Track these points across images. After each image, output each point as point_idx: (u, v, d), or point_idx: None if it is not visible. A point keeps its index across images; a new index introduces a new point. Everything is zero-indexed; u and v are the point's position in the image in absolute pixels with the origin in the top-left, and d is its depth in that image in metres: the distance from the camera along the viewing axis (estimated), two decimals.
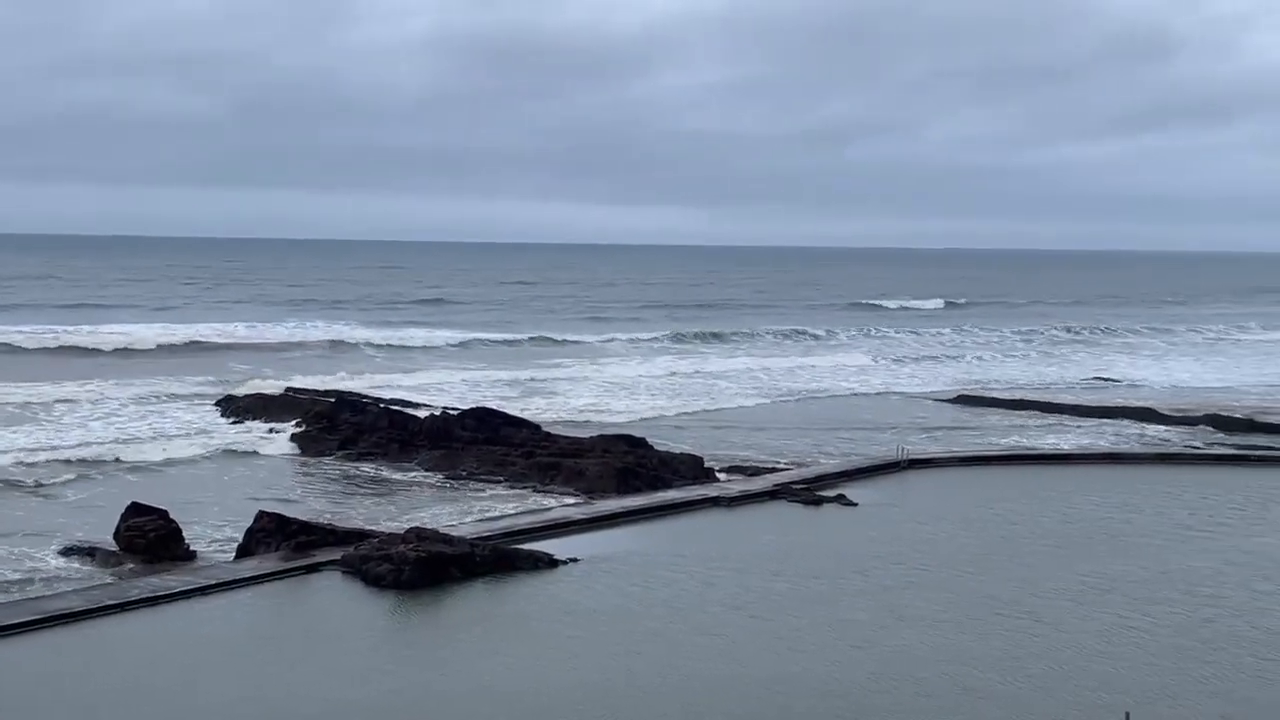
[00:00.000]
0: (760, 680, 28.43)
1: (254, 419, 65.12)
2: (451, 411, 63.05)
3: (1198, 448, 63.31)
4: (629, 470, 50.53)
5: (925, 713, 26.80)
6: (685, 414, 72.88)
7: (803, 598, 34.89)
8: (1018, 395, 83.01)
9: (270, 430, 61.99)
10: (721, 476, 52.39)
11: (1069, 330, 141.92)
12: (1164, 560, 39.49)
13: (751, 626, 32.31)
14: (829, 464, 55.56)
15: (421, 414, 63.00)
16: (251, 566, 37.10)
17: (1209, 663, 29.88)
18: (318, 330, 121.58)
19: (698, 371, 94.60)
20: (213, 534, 41.97)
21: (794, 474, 52.26)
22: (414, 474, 53.30)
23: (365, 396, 70.69)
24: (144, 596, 33.76)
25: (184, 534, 39.91)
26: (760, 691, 27.78)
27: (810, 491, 48.69)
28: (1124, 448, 62.74)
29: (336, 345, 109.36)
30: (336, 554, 37.58)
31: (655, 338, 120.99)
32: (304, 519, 40.87)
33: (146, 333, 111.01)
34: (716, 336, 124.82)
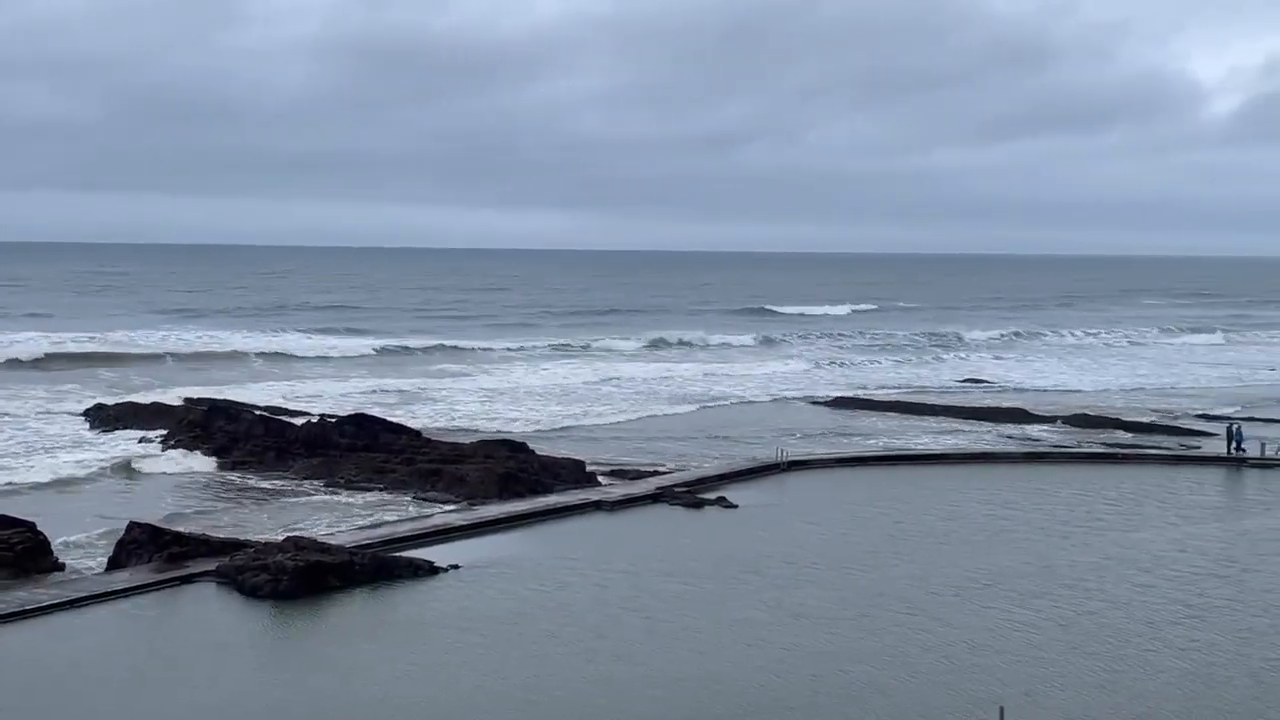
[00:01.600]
0: (662, 681, 28.51)
1: (125, 428, 63.66)
2: (329, 418, 62.32)
3: (1067, 447, 64.94)
4: (510, 475, 50.34)
5: (820, 708, 27.08)
6: (574, 420, 72.70)
7: (695, 598, 35.04)
8: (894, 398, 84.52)
9: (141, 439, 60.65)
10: (604, 480, 52.46)
11: (940, 335, 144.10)
12: (1046, 556, 40.32)
13: (647, 627, 32.38)
14: (709, 466, 55.91)
15: (298, 421, 62.18)
16: (123, 579, 36.17)
17: (1092, 655, 30.55)
18: (199, 338, 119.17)
19: (587, 380, 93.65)
20: (83, 546, 40.87)
21: (675, 477, 52.51)
22: (291, 482, 52.50)
23: (240, 404, 69.53)
24: (12, 610, 32.79)
25: (52, 546, 38.89)
26: (661, 692, 27.84)
27: (691, 494, 48.98)
28: (997, 447, 64.04)
29: (217, 353, 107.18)
30: (211, 564, 36.85)
31: (543, 345, 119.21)
32: (177, 529, 40.11)
33: (17, 341, 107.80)
34: (606, 344, 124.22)
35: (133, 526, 39.10)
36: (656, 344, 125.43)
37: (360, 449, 55.76)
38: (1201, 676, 29.20)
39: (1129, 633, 32.35)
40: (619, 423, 72.37)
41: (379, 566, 36.99)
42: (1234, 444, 60.10)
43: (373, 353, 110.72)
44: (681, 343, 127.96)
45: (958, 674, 29.11)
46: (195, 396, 73.16)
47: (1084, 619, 33.48)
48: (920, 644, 31.18)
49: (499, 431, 65.06)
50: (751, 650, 30.71)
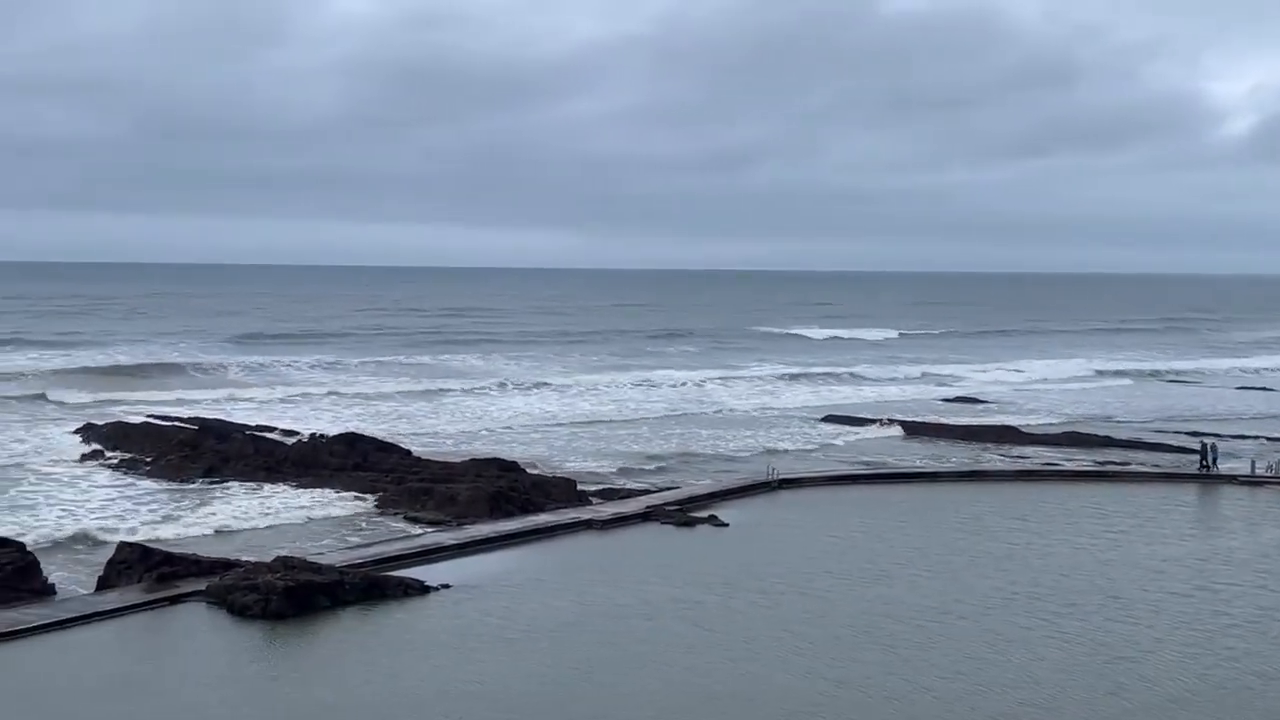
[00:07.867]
0: (705, 692, 28.85)
1: (115, 448, 63.40)
2: (320, 437, 62.24)
3: (1057, 464, 64.99)
4: (501, 494, 50.29)
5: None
6: (568, 441, 72.44)
7: (707, 612, 35.28)
8: (883, 415, 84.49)
9: (132, 459, 60.45)
10: (594, 500, 52.44)
11: (946, 353, 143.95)
12: (1074, 569, 40.64)
13: (673, 640, 32.65)
14: (700, 485, 55.89)
15: (289, 440, 62.09)
16: (113, 599, 36.08)
17: (1136, 662, 31.15)
18: (196, 359, 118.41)
19: (567, 407, 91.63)
20: (73, 567, 40.76)
21: (666, 496, 52.52)
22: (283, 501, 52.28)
23: (230, 423, 69.45)
24: (1, 631, 32.72)
25: (41, 567, 38.73)
26: (702, 704, 28.17)
27: (683, 512, 49.00)
28: (989, 465, 63.95)
29: (214, 371, 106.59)
30: (201, 584, 36.81)
31: (555, 369, 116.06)
32: (167, 549, 40.04)
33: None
34: (610, 363, 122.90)
35: (122, 546, 39.06)
36: (670, 361, 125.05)
37: (350, 468, 55.73)
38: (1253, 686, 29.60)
39: (1175, 642, 32.75)
40: (620, 439, 71.59)
41: (369, 586, 36.93)
42: (1209, 460, 60.33)
43: (375, 368, 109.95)
44: (693, 358, 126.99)
45: (1006, 685, 29.49)
46: (175, 415, 73.00)
47: (1130, 628, 33.93)
48: (984, 656, 31.59)
49: (490, 452, 64.57)
50: (800, 659, 31.10)
